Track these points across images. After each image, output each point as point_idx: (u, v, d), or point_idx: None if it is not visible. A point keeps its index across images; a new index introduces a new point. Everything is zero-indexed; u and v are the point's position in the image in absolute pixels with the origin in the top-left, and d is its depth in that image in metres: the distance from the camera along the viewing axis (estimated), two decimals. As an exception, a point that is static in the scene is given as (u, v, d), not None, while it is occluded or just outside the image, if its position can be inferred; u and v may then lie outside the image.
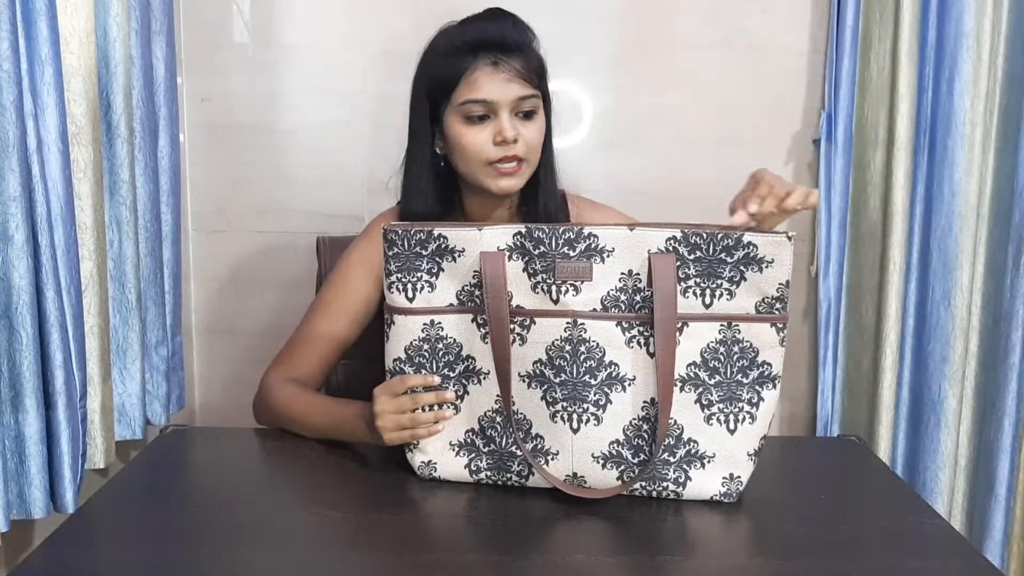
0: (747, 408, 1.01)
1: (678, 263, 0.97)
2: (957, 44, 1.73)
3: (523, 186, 1.29)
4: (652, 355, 0.99)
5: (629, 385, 1.00)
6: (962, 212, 1.75)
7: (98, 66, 1.42)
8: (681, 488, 1.04)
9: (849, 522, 1.04)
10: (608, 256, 0.98)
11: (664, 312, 0.96)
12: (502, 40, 1.22)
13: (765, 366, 1.02)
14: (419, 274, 1.03)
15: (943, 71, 1.75)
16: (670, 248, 0.98)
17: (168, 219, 1.70)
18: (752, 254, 0.98)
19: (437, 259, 1.03)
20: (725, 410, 1.01)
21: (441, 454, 1.09)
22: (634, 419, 1.00)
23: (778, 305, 1.00)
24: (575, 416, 1.01)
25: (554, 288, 0.99)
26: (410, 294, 1.05)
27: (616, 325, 0.99)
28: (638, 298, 0.99)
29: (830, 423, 1.90)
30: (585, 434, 1.02)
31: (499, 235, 1.03)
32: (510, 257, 1.01)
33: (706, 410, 1.01)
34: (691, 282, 0.98)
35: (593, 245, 0.98)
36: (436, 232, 1.03)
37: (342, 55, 1.83)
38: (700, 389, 1.00)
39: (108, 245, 1.49)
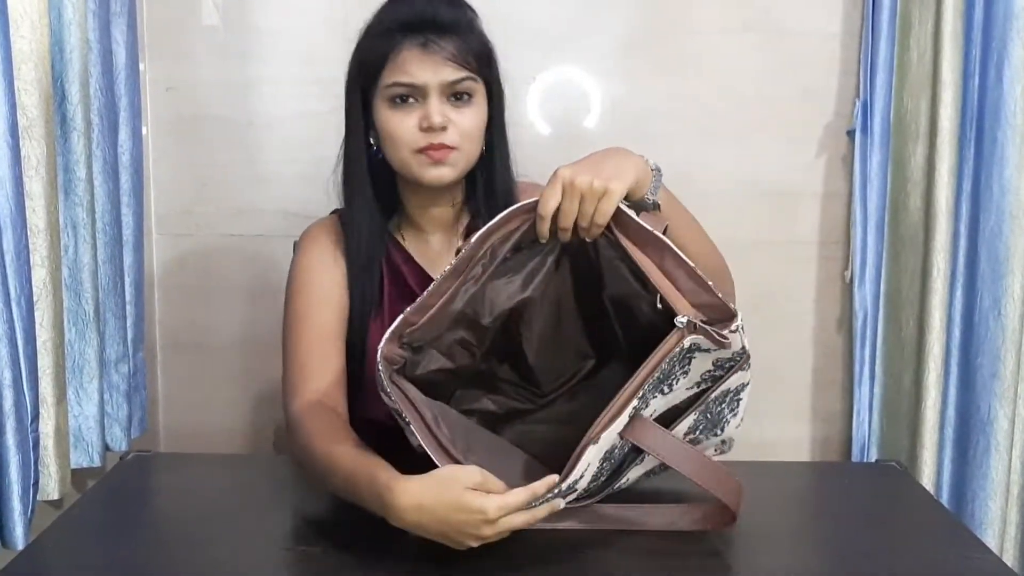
0: (729, 416, 1.12)
1: (642, 407, 1.03)
2: (1007, 25, 1.73)
3: (464, 179, 1.32)
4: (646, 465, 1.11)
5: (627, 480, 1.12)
6: (1013, 211, 1.75)
7: (51, 51, 1.43)
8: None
9: (888, 558, 1.04)
10: (584, 471, 1.02)
11: (670, 457, 1.06)
12: (433, 19, 1.25)
13: (741, 387, 1.11)
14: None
15: (991, 55, 1.75)
16: (632, 414, 1.02)
17: (129, 222, 1.71)
18: (696, 348, 1.03)
19: None
20: (711, 433, 1.12)
21: None
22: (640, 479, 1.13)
23: (732, 361, 1.06)
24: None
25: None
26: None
27: (604, 484, 1.08)
28: (617, 455, 1.05)
29: (867, 447, 1.90)
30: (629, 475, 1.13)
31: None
32: None
33: (694, 442, 1.11)
34: (649, 397, 1.03)
35: (570, 486, 1.01)
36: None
37: (323, 40, 1.83)
38: (690, 438, 1.11)
39: (63, 251, 1.50)
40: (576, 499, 1.06)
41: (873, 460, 1.88)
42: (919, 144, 1.79)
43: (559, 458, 1.03)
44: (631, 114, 1.88)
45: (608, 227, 1.09)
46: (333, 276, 1.33)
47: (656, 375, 1.01)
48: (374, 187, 1.34)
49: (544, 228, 1.10)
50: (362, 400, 1.28)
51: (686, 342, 1.01)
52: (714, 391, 1.08)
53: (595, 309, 1.20)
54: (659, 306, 1.09)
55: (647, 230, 1.07)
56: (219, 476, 1.29)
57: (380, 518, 1.01)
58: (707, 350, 1.03)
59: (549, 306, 1.19)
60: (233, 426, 1.97)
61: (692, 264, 1.05)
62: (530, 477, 1.00)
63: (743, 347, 1.05)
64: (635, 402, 1.01)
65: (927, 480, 1.81)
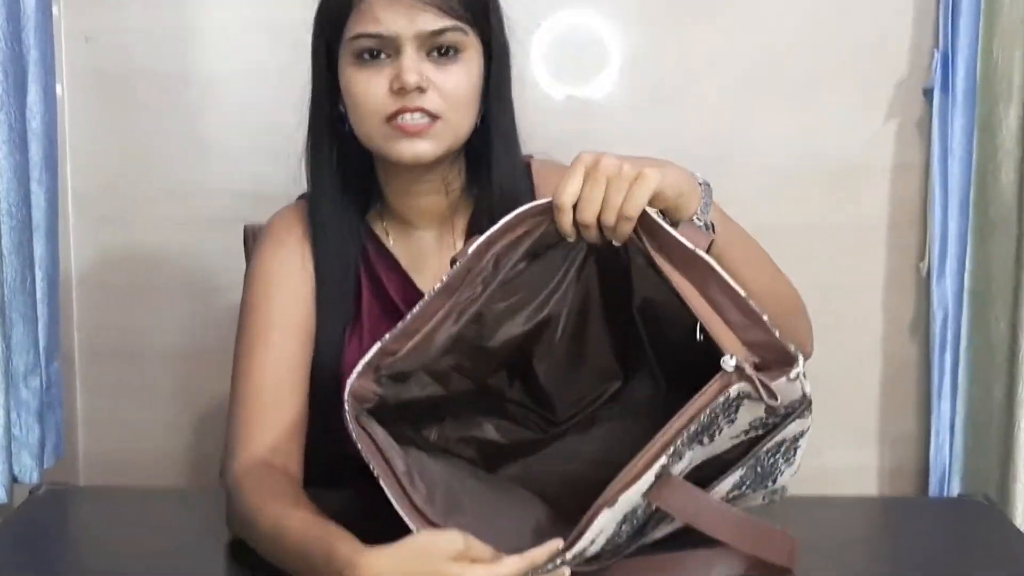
0: (784, 466, 1.10)
1: (672, 464, 1.02)
2: (1118, -41, 1.74)
3: (465, 159, 1.31)
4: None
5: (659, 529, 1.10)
6: None
7: (-56, -6, 1.47)
8: None
9: (975, 613, 1.08)
10: (598, 536, 1.01)
11: (701, 521, 1.04)
12: None
13: (801, 435, 1.08)
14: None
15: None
16: (660, 474, 1.01)
17: (41, 202, 1.71)
18: (746, 396, 1.01)
19: None
20: (760, 487, 1.11)
21: None
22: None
23: (796, 405, 1.04)
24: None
25: None
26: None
27: (629, 539, 1.05)
28: (639, 512, 1.03)
29: (948, 477, 1.90)
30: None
31: None
32: None
33: (742, 499, 1.11)
34: (684, 450, 1.02)
35: (579, 554, 1.00)
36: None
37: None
38: (739, 500, 1.10)
39: (-41, 238, 1.50)
40: (586, 563, 1.04)
41: (955, 494, 1.88)
42: (1012, 105, 1.78)
43: (574, 497, 1.02)
44: (659, 69, 1.88)
45: (639, 238, 1.08)
46: (299, 287, 1.33)
47: (693, 428, 1.00)
48: (348, 171, 1.33)
49: (565, 222, 1.07)
50: (338, 432, 1.28)
51: (732, 391, 0.99)
52: (766, 443, 1.06)
53: (623, 321, 1.20)
54: (699, 337, 1.07)
55: (687, 248, 1.06)
56: (152, 514, 1.29)
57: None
58: (756, 400, 1.01)
59: (571, 320, 1.19)
60: (170, 453, 1.98)
61: (743, 293, 1.03)
62: (535, 528, 1.00)
63: (803, 394, 1.03)
64: (663, 459, 0.99)
65: (1022, 518, 1.80)
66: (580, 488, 1.02)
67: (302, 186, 1.39)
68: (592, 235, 1.09)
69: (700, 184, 1.14)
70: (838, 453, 1.93)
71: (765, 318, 1.02)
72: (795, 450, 1.10)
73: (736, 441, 1.06)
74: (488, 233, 1.09)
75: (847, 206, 1.92)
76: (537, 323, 1.17)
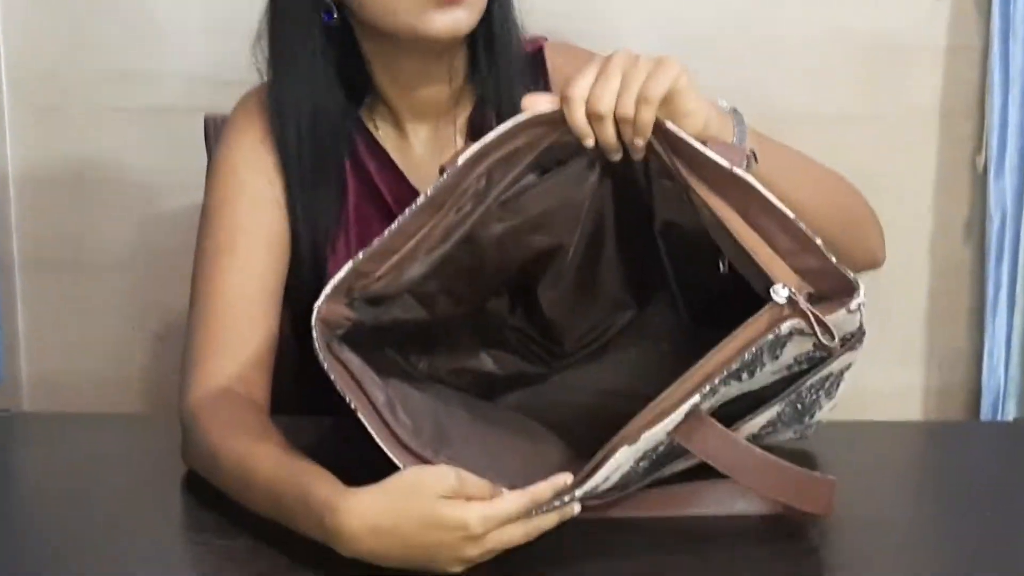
0: (824, 401, 1.11)
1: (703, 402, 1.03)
2: None
3: (466, 44, 1.30)
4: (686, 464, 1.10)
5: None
6: None
7: None
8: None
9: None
10: (615, 472, 1.02)
11: (729, 465, 1.04)
12: None
13: (841, 372, 1.09)
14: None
15: None
16: (690, 412, 1.01)
17: (-31, 89, 1.71)
18: (797, 333, 1.01)
19: None
20: (797, 424, 1.13)
21: None
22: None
23: (848, 338, 1.03)
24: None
25: None
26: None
27: (641, 478, 1.07)
28: (661, 449, 1.04)
29: (1002, 400, 1.92)
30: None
31: None
32: None
33: (772, 436, 1.12)
34: (720, 386, 1.02)
35: (590, 491, 1.01)
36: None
37: None
38: (765, 433, 1.11)
39: None
40: (597, 497, 1.05)
41: (1010, 418, 1.90)
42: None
43: (587, 429, 1.02)
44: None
45: (665, 155, 1.07)
46: (268, 188, 1.32)
47: (735, 366, 0.99)
48: (331, 56, 1.31)
49: (577, 116, 1.05)
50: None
51: (784, 327, 0.98)
52: (810, 378, 1.06)
53: (640, 248, 1.20)
54: (723, 268, 1.08)
55: (721, 166, 1.04)
56: (104, 443, 1.29)
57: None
58: (811, 334, 1.00)
59: (582, 247, 1.19)
60: (123, 375, 2.00)
61: (791, 214, 1.02)
62: (542, 463, 1.00)
63: (860, 325, 1.02)
64: (696, 398, 0.99)
65: (1085, 445, 1.83)
66: (593, 420, 1.03)
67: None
68: (608, 135, 1.06)
69: (729, 111, 1.14)
70: (879, 372, 1.92)
71: (819, 242, 1.00)
72: (838, 384, 1.10)
73: (777, 377, 1.06)
74: (482, 142, 1.07)
75: (893, 93, 1.92)
76: (543, 250, 1.16)
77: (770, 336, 0.97)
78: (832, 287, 1.00)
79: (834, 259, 0.99)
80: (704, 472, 1.09)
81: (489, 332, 1.23)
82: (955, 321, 1.98)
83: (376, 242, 1.06)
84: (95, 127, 1.93)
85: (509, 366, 1.24)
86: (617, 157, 1.08)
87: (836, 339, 0.98)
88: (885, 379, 1.94)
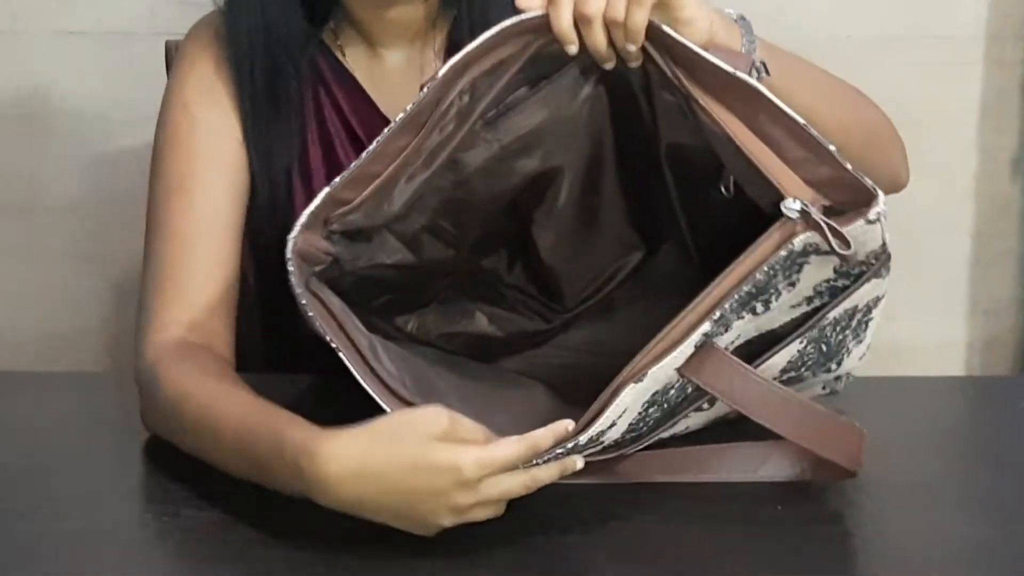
0: (853, 344, 1.11)
1: (716, 334, 1.03)
2: None
3: None
4: (707, 410, 1.10)
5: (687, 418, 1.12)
6: None
7: None
8: None
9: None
10: (621, 417, 1.02)
11: (747, 403, 1.06)
12: None
13: (872, 303, 1.09)
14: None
15: None
16: (701, 344, 1.02)
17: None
18: (813, 249, 1.01)
19: None
20: (822, 370, 1.12)
21: None
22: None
23: (871, 260, 1.04)
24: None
25: None
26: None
27: (649, 431, 1.08)
28: (672, 393, 1.05)
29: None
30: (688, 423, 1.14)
31: None
32: None
33: (796, 383, 1.12)
34: (732, 317, 1.03)
35: (594, 436, 1.01)
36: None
37: None
38: (787, 380, 1.10)
39: None
40: (602, 451, 1.06)
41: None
42: None
43: (591, 391, 1.01)
44: None
45: (664, 63, 1.06)
46: (229, 120, 1.31)
47: (746, 288, 0.99)
48: None
49: (562, 18, 1.05)
50: (289, 308, 1.27)
51: (797, 242, 0.98)
52: (833, 310, 1.05)
53: (644, 178, 1.19)
54: (725, 191, 1.09)
55: (725, 71, 1.04)
56: (59, 405, 1.28)
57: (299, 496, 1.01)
58: (827, 254, 1.01)
59: (579, 175, 1.18)
60: (76, 328, 2.00)
61: (801, 120, 1.02)
62: (535, 418, 1.00)
63: (883, 243, 1.02)
64: (707, 326, 0.99)
65: None
66: (597, 382, 1.02)
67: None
68: (597, 39, 1.07)
69: (736, 20, 1.14)
70: (917, 324, 1.95)
71: (832, 148, 1.01)
72: (866, 324, 1.10)
73: (796, 313, 1.06)
74: (462, 53, 1.07)
75: (932, 14, 1.94)
76: (534, 176, 1.16)
77: (782, 252, 0.98)
78: (849, 198, 1.00)
79: (849, 166, 1.00)
80: (723, 435, 1.10)
81: (484, 290, 1.24)
82: (1001, 266, 1.99)
83: (353, 166, 1.07)
84: (46, 54, 1.92)
85: (506, 326, 1.25)
86: (609, 65, 1.09)
87: (852, 249, 0.98)
88: (924, 331, 1.96)
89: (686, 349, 0.99)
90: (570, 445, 0.97)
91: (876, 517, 1.06)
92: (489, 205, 1.16)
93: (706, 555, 1.01)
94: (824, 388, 1.15)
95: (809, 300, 1.05)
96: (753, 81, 1.03)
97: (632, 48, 1.06)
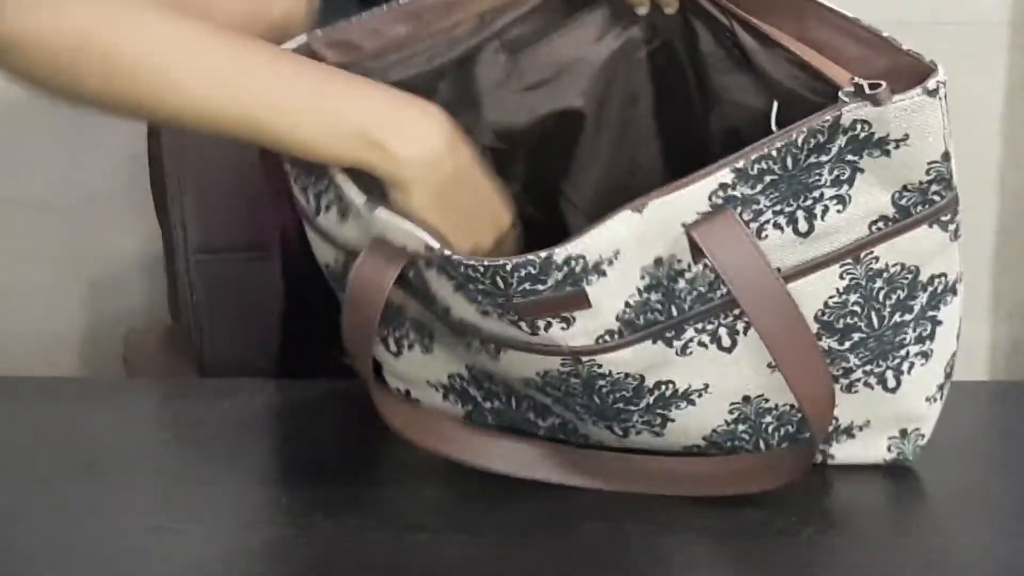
0: (915, 349, 1.08)
1: (739, 209, 1.00)
2: None
3: None
4: (730, 349, 1.05)
5: (701, 395, 1.08)
6: None
7: None
8: (828, 459, 1.11)
9: None
10: (611, 265, 1.01)
11: (753, 302, 1.01)
12: None
13: (935, 282, 1.07)
14: (323, 187, 1.08)
15: None
16: (717, 204, 1.00)
17: None
18: (866, 135, 0.99)
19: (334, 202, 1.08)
20: (877, 369, 1.08)
21: (423, 392, 1.17)
22: (719, 426, 1.11)
23: (934, 189, 1.02)
24: (615, 427, 1.12)
25: (524, 324, 1.03)
26: (312, 202, 1.10)
27: (652, 342, 1.05)
28: (681, 285, 1.03)
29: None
30: (640, 441, 1.12)
31: (402, 233, 1.02)
32: (426, 265, 1.04)
33: (843, 379, 1.07)
34: (766, 215, 1.00)
35: (577, 267, 1.00)
36: (326, 181, 1.06)
37: None
38: (827, 360, 1.05)
39: None
40: (607, 339, 1.03)
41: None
42: None
43: None
44: None
45: None
46: None
47: (779, 144, 0.96)
48: None
49: None
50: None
51: (847, 114, 0.95)
52: (884, 245, 1.01)
53: (692, 153, 1.14)
54: (774, 127, 1.07)
55: None
56: (34, 413, 1.25)
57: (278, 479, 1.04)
58: (883, 152, 0.98)
59: (612, 134, 1.19)
60: (54, 330, 2.03)
61: (850, 15, 1.02)
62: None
63: (946, 150, 1.00)
64: (726, 174, 0.97)
65: None
66: None
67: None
68: None
69: None
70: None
71: (886, 35, 1.00)
72: (932, 320, 1.07)
73: (842, 244, 1.02)
74: None
75: (955, 0, 2.01)
76: (555, 114, 1.17)
77: (828, 116, 0.95)
78: (910, 83, 0.97)
79: (905, 46, 0.98)
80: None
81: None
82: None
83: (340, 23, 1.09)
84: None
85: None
86: (643, 11, 1.11)
87: (907, 131, 0.96)
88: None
89: (698, 196, 0.97)
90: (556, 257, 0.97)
91: (897, 528, 1.07)
92: (503, 141, 1.17)
93: (717, 570, 1.04)
94: (891, 450, 1.12)
95: (858, 240, 1.02)
96: None
97: None
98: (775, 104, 1.09)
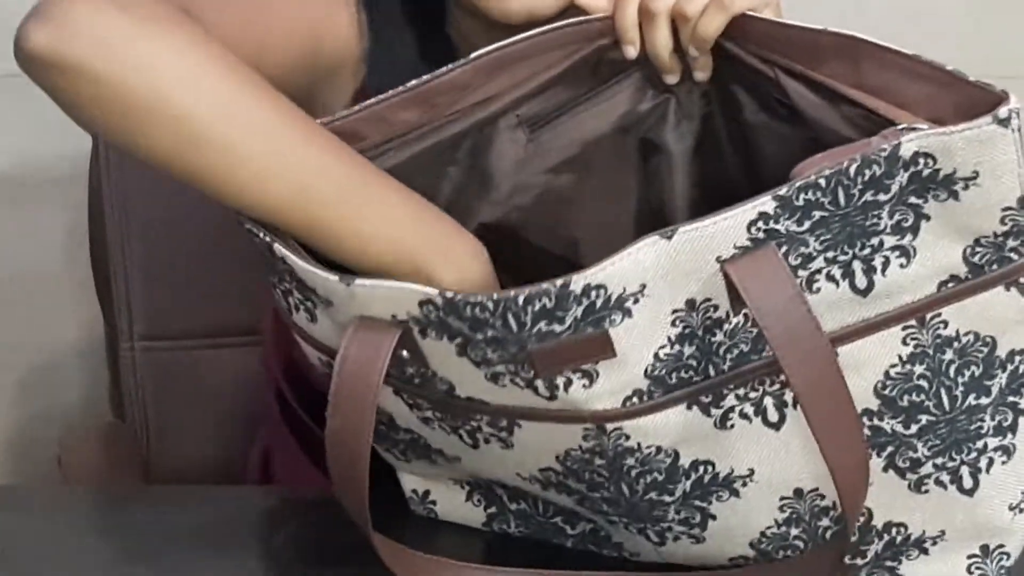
0: (994, 442, 1.06)
1: (784, 249, 0.98)
2: None
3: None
4: (777, 425, 1.04)
5: (746, 483, 1.07)
6: None
7: None
8: None
9: None
10: (636, 304, 0.98)
11: (790, 351, 0.99)
12: None
13: (1016, 359, 1.04)
14: (287, 285, 1.10)
15: None
16: (758, 238, 0.97)
17: None
18: (930, 171, 0.97)
19: (303, 294, 1.09)
20: (950, 463, 1.07)
21: (444, 491, 1.19)
22: (769, 527, 1.10)
23: (1011, 244, 0.99)
24: (649, 531, 1.11)
25: (541, 384, 1.00)
26: (282, 301, 1.10)
27: (687, 407, 1.03)
28: (719, 338, 1.01)
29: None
30: (679, 549, 1.12)
31: (391, 297, 1.02)
32: (421, 334, 1.04)
33: (911, 474, 1.07)
34: (818, 261, 1.00)
35: (599, 301, 0.98)
36: (281, 261, 1.06)
37: None
38: (891, 448, 1.05)
39: None
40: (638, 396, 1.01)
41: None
42: None
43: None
44: None
45: (733, 46, 1.09)
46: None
47: (828, 172, 0.95)
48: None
49: (628, 9, 1.09)
50: None
51: (906, 144, 0.94)
52: (952, 306, 1.01)
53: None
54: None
55: (814, 30, 1.04)
56: (66, 525, 1.23)
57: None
58: (951, 194, 0.97)
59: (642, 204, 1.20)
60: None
61: (910, 52, 1.00)
62: None
63: (1022, 195, 0.97)
64: (767, 202, 0.95)
65: None
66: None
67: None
68: (660, 36, 1.09)
69: None
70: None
71: (950, 68, 0.98)
72: (1015, 406, 1.05)
73: (905, 303, 1.01)
74: (500, 47, 1.11)
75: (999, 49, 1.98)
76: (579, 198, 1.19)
77: (885, 145, 0.94)
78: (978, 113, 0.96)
79: (971, 79, 0.97)
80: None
81: None
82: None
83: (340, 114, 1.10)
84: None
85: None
86: (673, 79, 1.14)
87: (976, 170, 0.95)
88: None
89: (736, 227, 0.96)
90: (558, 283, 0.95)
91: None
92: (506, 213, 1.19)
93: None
94: (971, 571, 1.11)
95: (929, 298, 1.02)
96: (848, 32, 1.04)
97: (695, 53, 1.11)
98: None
